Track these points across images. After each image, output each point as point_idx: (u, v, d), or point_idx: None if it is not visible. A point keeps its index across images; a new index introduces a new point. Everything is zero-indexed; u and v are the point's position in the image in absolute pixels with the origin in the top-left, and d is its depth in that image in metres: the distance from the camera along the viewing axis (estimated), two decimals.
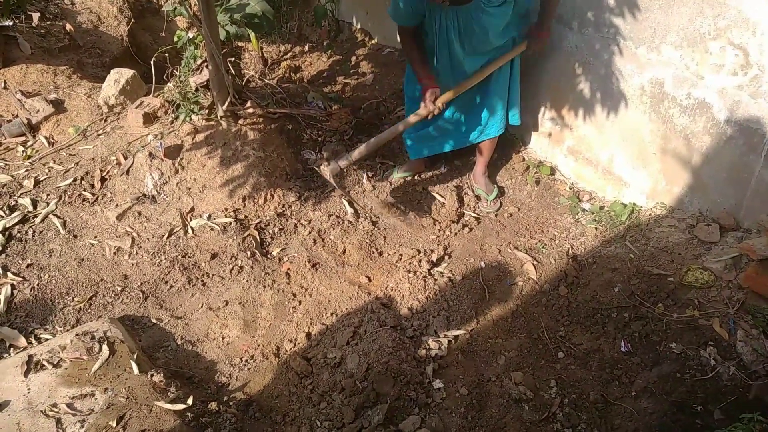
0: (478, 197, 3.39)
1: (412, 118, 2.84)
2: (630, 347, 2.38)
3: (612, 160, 3.18)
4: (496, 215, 3.29)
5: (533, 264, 2.92)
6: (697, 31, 2.49)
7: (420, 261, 2.91)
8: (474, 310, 2.70)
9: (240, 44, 4.63)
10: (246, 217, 3.09)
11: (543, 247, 3.04)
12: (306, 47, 4.76)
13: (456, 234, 3.13)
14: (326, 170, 2.81)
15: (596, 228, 3.09)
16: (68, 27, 4.17)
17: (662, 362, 2.28)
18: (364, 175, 3.44)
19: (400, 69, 4.09)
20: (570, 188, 3.41)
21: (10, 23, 3.92)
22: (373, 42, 4.67)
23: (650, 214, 2.97)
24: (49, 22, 4.13)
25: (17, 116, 3.42)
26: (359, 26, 4.78)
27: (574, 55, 3.10)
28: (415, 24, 2.81)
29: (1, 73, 3.63)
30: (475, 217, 3.25)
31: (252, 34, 4.22)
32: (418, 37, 2.90)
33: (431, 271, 2.89)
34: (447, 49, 2.83)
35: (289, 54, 4.72)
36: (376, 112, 3.98)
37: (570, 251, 2.97)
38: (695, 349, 2.25)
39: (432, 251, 2.99)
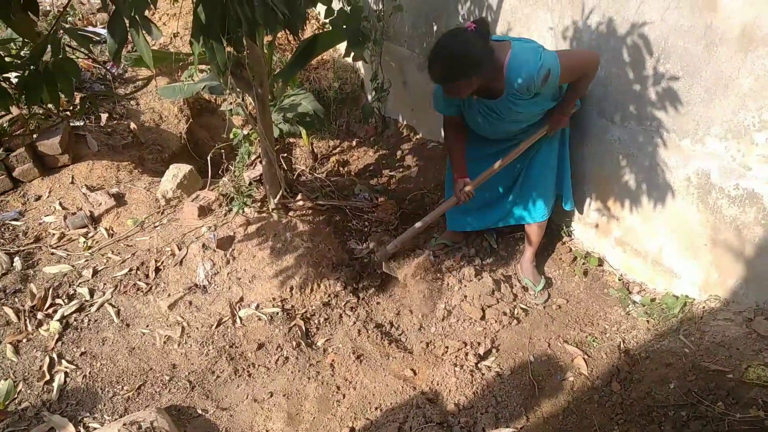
0: (525, 288, 3.36)
1: (444, 206, 3.15)
2: None
3: (661, 252, 3.12)
4: (544, 307, 3.24)
5: (584, 358, 2.83)
6: (741, 123, 2.50)
7: (467, 354, 2.87)
8: (523, 407, 2.61)
9: (292, 140, 4.85)
10: (293, 306, 3.13)
11: (594, 341, 2.96)
12: (354, 142, 4.95)
13: (504, 326, 3.08)
14: (376, 258, 3.22)
15: (648, 321, 3.00)
16: (132, 126, 4.46)
17: None
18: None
19: (444, 162, 4.19)
20: (619, 279, 3.34)
21: (81, 123, 4.23)
22: (417, 137, 4.82)
23: (704, 307, 2.87)
24: (115, 122, 4.44)
25: (81, 209, 3.62)
26: (405, 122, 4.96)
27: (617, 148, 3.13)
28: (455, 114, 2.95)
29: (69, 169, 3.88)
30: (522, 309, 3.20)
31: (303, 131, 4.44)
32: (459, 130, 3.04)
33: (479, 365, 2.84)
34: (479, 119, 2.92)
35: (338, 149, 4.91)
36: (420, 203, 4.06)
37: (622, 345, 2.88)
38: None
39: (479, 344, 2.94)
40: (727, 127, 2.56)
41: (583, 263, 3.46)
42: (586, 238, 3.60)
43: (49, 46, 2.06)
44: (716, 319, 2.75)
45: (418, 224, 3.22)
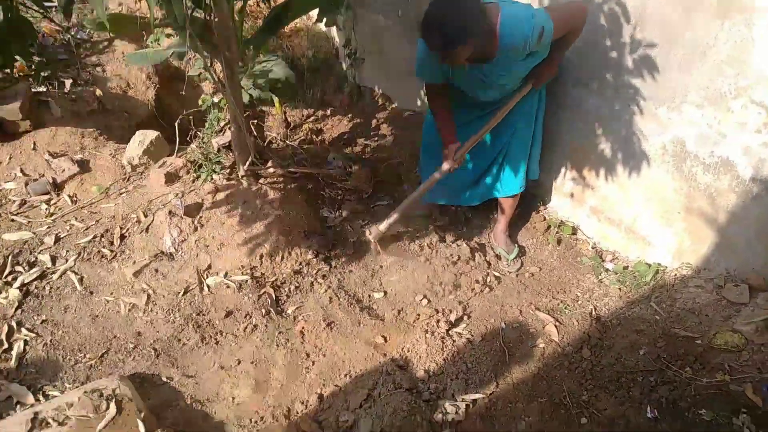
0: (498, 256, 3.33)
1: (437, 175, 2.93)
2: (657, 414, 2.24)
3: (635, 220, 3.11)
4: (517, 275, 3.22)
5: (555, 325, 2.82)
6: (717, 90, 2.47)
7: (438, 321, 2.83)
8: (494, 373, 2.59)
9: (264, 109, 4.74)
10: (262, 274, 3.07)
11: (565, 308, 2.95)
12: (328, 111, 4.85)
13: (476, 294, 3.05)
14: (370, 236, 3.07)
15: (620, 288, 2.99)
16: (98, 92, 4.32)
17: (692, 430, 2.14)
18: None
19: (419, 131, 4.12)
20: (593, 248, 3.33)
21: (44, 89, 4.08)
22: (393, 106, 4.75)
23: (676, 275, 2.88)
24: (80, 88, 4.28)
25: (43, 175, 3.50)
26: (380, 91, 4.87)
27: (594, 116, 3.09)
28: (440, 81, 2.82)
29: (31, 135, 3.74)
30: (495, 277, 3.18)
31: (276, 99, 4.33)
32: (444, 96, 2.91)
33: (450, 331, 2.81)
34: (470, 85, 2.83)
35: (312, 118, 4.81)
36: (395, 172, 4.00)
37: (593, 312, 2.87)
38: (727, 417, 2.10)
39: (451, 311, 2.91)
40: (704, 94, 2.53)
41: (557, 232, 3.45)
42: (560, 207, 3.58)
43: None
44: (687, 286, 2.76)
45: (410, 198, 3.04)
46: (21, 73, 3.98)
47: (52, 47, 4.52)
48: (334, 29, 5.03)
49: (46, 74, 4.17)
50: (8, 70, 3.79)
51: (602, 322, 2.78)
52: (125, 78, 4.56)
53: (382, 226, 3.06)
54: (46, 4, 2.14)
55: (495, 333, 2.79)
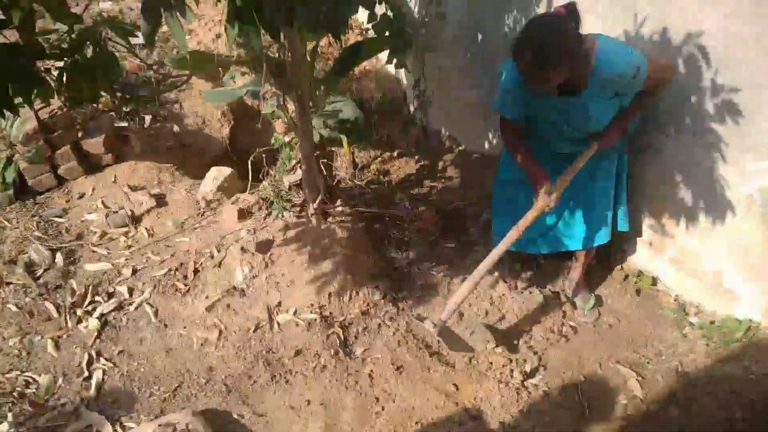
0: (573, 305, 3.22)
1: (531, 215, 2.56)
2: None
3: (720, 273, 2.95)
4: (594, 326, 3.09)
5: (638, 380, 2.68)
6: None
7: (512, 371, 2.73)
8: (573, 430, 2.46)
9: (333, 149, 4.80)
10: (331, 314, 3.05)
11: (648, 363, 2.80)
12: (395, 153, 4.87)
13: (552, 344, 2.94)
14: (432, 330, 2.62)
15: (707, 344, 2.83)
16: (175, 129, 4.47)
17: None
18: None
19: (488, 174, 4.08)
20: (675, 300, 3.18)
21: (126, 124, 4.25)
22: (460, 148, 4.73)
23: None
24: (159, 124, 4.45)
25: (122, 208, 3.61)
26: (447, 134, 4.87)
27: (672, 163, 2.97)
28: (518, 116, 2.67)
29: (113, 169, 3.88)
30: (571, 327, 3.06)
31: (344, 140, 4.39)
32: (521, 134, 2.76)
33: (525, 382, 2.70)
34: (547, 124, 2.70)
35: (379, 159, 4.84)
36: (462, 215, 3.95)
37: (679, 368, 2.71)
38: None
39: (525, 361, 2.81)
40: None
41: (636, 282, 3.30)
42: (638, 256, 3.43)
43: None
44: None
45: (485, 263, 2.57)
46: (105, 108, 4.17)
47: (133, 84, 4.73)
48: (402, 71, 5.09)
49: (127, 110, 4.36)
50: (94, 104, 3.98)
51: (690, 379, 2.63)
52: (201, 115, 4.71)
53: (444, 315, 2.58)
54: (132, 40, 2.23)
55: (573, 386, 2.67)
